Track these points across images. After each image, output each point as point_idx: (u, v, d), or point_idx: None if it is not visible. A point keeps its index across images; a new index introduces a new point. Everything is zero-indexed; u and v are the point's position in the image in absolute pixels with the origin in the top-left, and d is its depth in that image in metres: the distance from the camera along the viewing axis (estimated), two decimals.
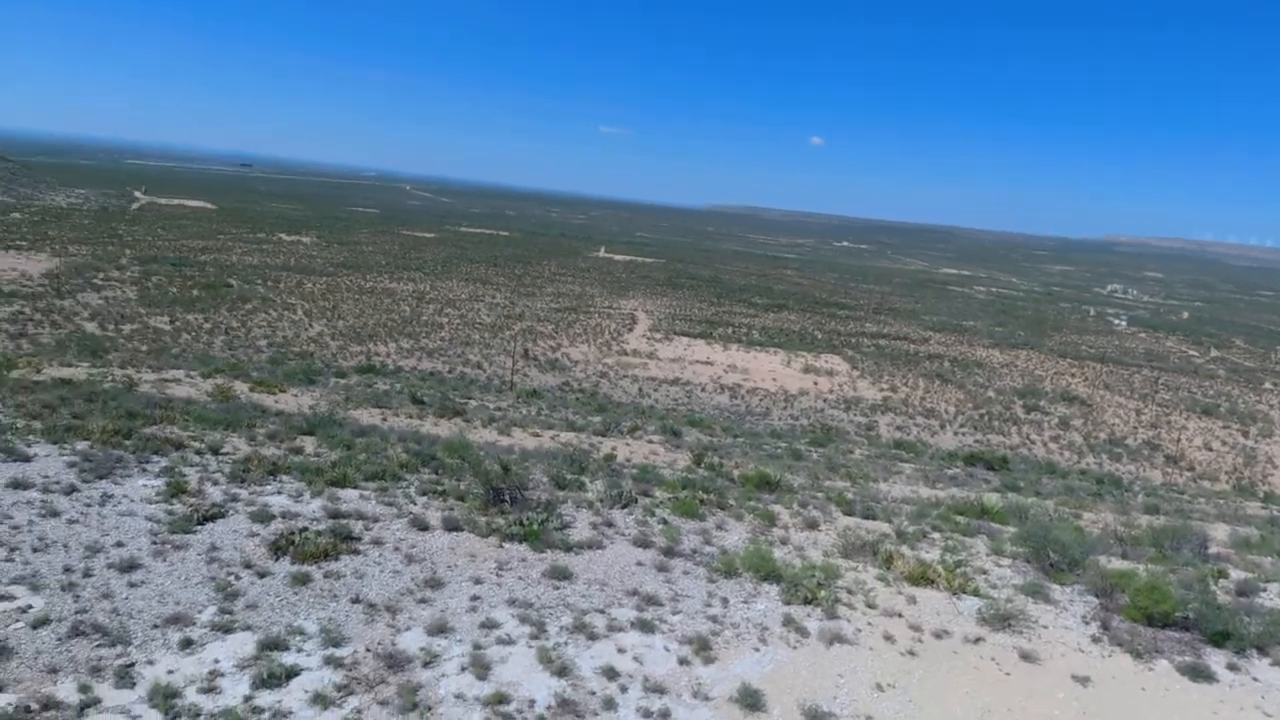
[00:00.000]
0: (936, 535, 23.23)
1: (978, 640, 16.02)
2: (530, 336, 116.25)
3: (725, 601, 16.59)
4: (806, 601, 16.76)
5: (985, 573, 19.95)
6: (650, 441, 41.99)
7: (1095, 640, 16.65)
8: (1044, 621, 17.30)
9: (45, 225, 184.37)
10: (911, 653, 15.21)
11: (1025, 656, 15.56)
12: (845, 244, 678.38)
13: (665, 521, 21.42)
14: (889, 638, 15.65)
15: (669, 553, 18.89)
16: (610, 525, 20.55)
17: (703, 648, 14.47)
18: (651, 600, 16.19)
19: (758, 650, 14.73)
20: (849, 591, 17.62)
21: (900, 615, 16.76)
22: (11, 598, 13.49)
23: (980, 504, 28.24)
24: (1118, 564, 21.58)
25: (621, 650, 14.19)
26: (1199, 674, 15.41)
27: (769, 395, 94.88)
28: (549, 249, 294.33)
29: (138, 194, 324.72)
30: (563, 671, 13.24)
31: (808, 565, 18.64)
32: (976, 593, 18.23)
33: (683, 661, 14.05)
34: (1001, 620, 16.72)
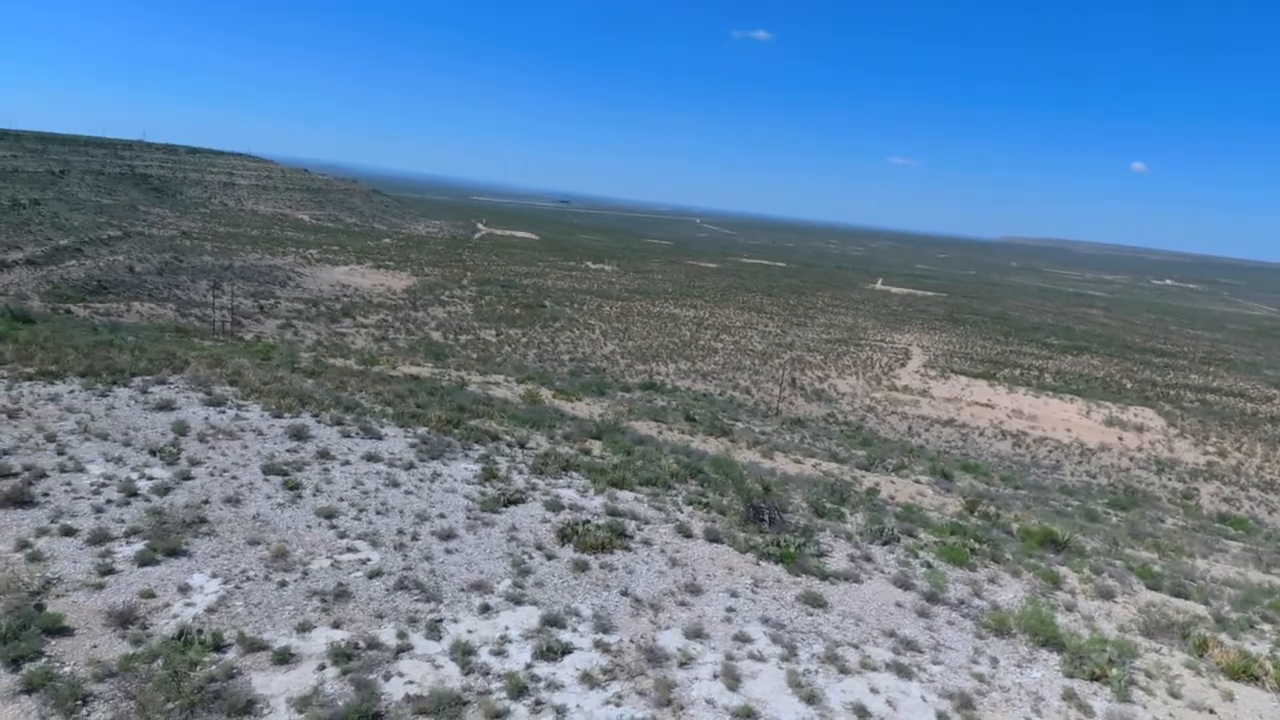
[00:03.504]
0: (1267, 627, 19.71)
1: None
2: (799, 366, 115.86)
3: (994, 661, 15.49)
4: (1093, 678, 15.11)
5: None
6: (917, 482, 39.95)
7: None
8: None
9: (408, 249, 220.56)
10: None
11: None
12: (1168, 282, 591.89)
13: (929, 565, 20.43)
14: None
15: (932, 599, 18.03)
16: (869, 560, 20.07)
17: (965, 705, 13.66)
18: (910, 645, 15.59)
19: None
20: (1148, 675, 15.59)
21: (1212, 711, 14.52)
22: (356, 550, 16.42)
23: None
24: None
25: (874, 690, 13.83)
26: None
27: (1060, 447, 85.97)
28: (824, 280, 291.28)
29: (479, 225, 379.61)
30: (811, 699, 13.22)
31: (1097, 638, 16.77)
32: None
33: (941, 716, 13.37)
34: None
